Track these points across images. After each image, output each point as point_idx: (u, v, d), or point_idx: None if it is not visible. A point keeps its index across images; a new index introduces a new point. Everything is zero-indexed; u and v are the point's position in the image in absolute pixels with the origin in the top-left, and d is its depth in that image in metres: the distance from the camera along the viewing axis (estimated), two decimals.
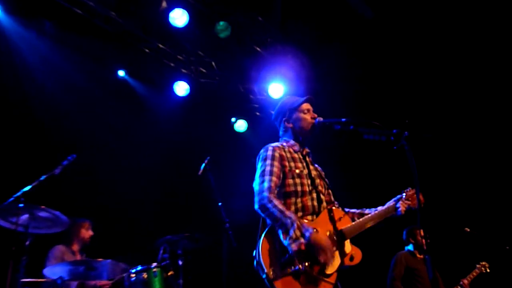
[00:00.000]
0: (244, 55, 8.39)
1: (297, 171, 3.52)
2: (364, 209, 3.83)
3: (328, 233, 3.37)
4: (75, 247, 5.89)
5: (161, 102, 8.54)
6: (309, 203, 3.44)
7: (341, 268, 3.32)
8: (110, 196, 7.28)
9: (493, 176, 8.01)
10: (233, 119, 9.44)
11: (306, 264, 3.15)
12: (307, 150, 3.79)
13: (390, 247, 6.86)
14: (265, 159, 3.50)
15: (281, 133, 3.87)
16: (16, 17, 6.85)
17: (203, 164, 5.71)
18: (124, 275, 5.15)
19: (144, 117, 8.30)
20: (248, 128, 9.46)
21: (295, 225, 3.15)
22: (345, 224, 3.49)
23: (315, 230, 3.22)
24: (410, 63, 7.96)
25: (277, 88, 8.62)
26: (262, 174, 3.44)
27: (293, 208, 3.40)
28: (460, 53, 7.64)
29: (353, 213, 3.78)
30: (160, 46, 7.84)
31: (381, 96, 8.31)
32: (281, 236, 3.18)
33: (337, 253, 3.33)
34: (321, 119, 3.69)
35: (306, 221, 3.34)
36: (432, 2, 7.30)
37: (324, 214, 3.45)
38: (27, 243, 4.60)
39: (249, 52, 8.34)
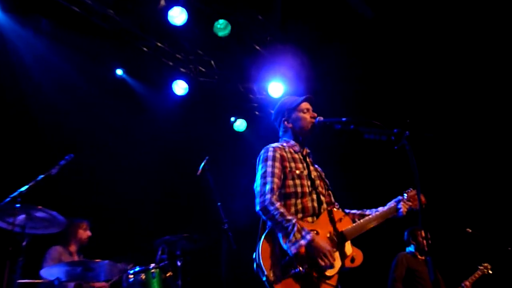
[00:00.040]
0: (243, 54, 8.39)
1: (298, 172, 3.52)
2: (365, 210, 3.83)
3: (328, 235, 3.37)
4: (73, 248, 5.89)
5: (159, 101, 8.53)
6: (309, 204, 3.45)
7: (342, 270, 3.33)
8: (108, 196, 7.27)
9: (495, 176, 8.02)
10: (232, 119, 9.45)
11: (307, 266, 3.15)
12: (307, 150, 3.79)
13: (391, 248, 6.86)
14: (266, 160, 3.50)
15: (281, 133, 3.87)
16: (12, 14, 6.85)
17: (202, 164, 5.71)
18: (122, 276, 5.15)
19: (143, 116, 8.28)
20: (248, 127, 9.46)
21: (295, 228, 3.15)
22: (345, 225, 3.49)
23: (315, 232, 3.22)
24: (410, 62, 7.96)
25: (276, 87, 8.62)
26: (264, 176, 3.44)
27: (293, 209, 3.40)
28: (461, 52, 7.64)
29: (354, 214, 3.78)
30: (159, 44, 7.84)
31: (382, 95, 8.31)
32: (281, 239, 3.19)
33: (337, 255, 3.34)
34: (321, 118, 3.69)
35: (306, 222, 3.34)
36: (432, 1, 7.30)
37: (324, 216, 3.46)
38: (24, 243, 4.60)
39: (248, 51, 8.34)
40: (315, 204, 3.47)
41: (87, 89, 7.56)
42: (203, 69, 8.59)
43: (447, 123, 8.12)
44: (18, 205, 4.52)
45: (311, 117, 3.71)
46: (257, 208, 3.34)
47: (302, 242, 3.12)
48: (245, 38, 8.19)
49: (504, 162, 7.99)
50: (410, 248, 6.62)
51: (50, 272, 4.98)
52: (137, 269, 5.12)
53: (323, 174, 3.81)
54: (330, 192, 3.72)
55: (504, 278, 6.97)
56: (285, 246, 3.15)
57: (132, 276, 5.07)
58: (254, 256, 3.24)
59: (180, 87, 8.51)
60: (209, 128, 8.88)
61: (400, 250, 6.67)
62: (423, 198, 3.42)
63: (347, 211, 3.73)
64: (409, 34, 7.65)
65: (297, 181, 3.47)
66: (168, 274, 5.35)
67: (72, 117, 7.34)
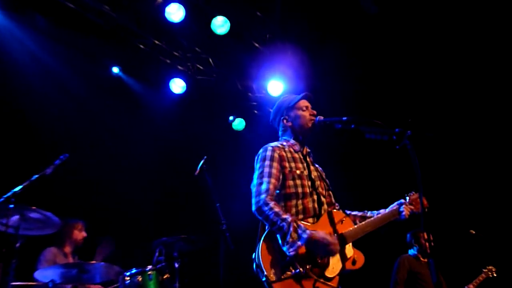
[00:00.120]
0: (242, 52, 8.40)
1: (298, 172, 3.52)
2: (366, 211, 3.84)
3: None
4: (67, 249, 5.89)
5: (156, 100, 8.54)
6: (310, 205, 3.45)
7: (343, 272, 3.34)
8: (103, 197, 7.28)
9: (499, 177, 8.03)
10: (230, 118, 9.45)
11: (307, 267, 3.16)
12: (307, 149, 3.80)
13: (393, 250, 6.88)
14: (264, 160, 3.50)
15: (280, 132, 3.87)
16: (5, 11, 6.85)
17: (200, 164, 5.72)
18: (119, 278, 5.15)
19: (139, 115, 8.29)
20: (246, 126, 9.46)
21: (291, 228, 3.15)
22: (346, 227, 3.50)
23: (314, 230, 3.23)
24: (412, 61, 7.97)
25: (276, 86, 8.63)
26: (261, 176, 3.44)
27: (293, 210, 3.41)
28: (464, 51, 7.65)
29: (355, 216, 3.79)
30: (156, 42, 7.84)
31: (383, 94, 8.32)
32: (280, 241, 3.19)
33: (338, 257, 3.35)
34: (322, 117, 3.70)
35: (308, 224, 3.35)
36: None
37: (325, 217, 3.46)
38: (18, 245, 4.59)
39: (247, 49, 8.35)
40: (316, 205, 3.47)
41: (82, 87, 7.57)
42: (201, 67, 8.60)
43: (450, 123, 8.13)
44: (11, 206, 4.50)
45: (310, 115, 3.72)
46: (253, 208, 3.35)
47: (299, 243, 3.13)
48: (244, 35, 8.20)
49: (508, 162, 8.00)
50: (413, 251, 6.64)
51: (44, 274, 4.97)
52: (134, 271, 5.10)
53: (323, 174, 3.82)
54: (330, 192, 3.73)
55: (509, 281, 6.97)
56: (284, 248, 3.15)
57: (128, 278, 5.06)
58: (253, 257, 3.24)
59: (177, 86, 8.52)
60: (207, 127, 8.88)
61: (402, 252, 6.69)
62: (425, 202, 3.43)
63: (348, 212, 3.74)
64: (410, 33, 7.66)
65: (298, 182, 3.48)
66: (165, 276, 5.35)
67: (67, 116, 7.35)
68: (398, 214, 3.75)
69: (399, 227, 4.41)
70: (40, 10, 6.97)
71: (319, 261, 3.21)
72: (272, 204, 3.27)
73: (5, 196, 4.54)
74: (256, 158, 3.60)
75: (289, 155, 3.58)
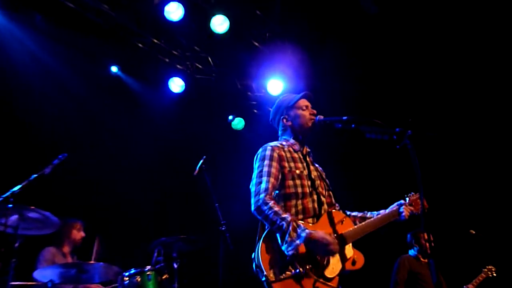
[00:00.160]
0: (242, 51, 8.39)
1: (297, 171, 3.53)
2: (366, 212, 3.85)
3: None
4: (66, 249, 5.90)
5: (155, 99, 8.54)
6: (310, 205, 3.45)
7: (343, 273, 3.35)
8: (102, 196, 7.28)
9: (499, 176, 8.04)
10: (230, 117, 9.45)
11: (307, 267, 3.17)
12: (307, 149, 3.80)
13: (393, 250, 6.89)
14: (263, 159, 3.51)
15: (280, 132, 3.87)
16: (4, 10, 6.85)
17: (199, 164, 5.73)
18: (117, 278, 5.16)
19: (138, 114, 8.30)
20: (246, 126, 9.47)
21: (291, 227, 3.15)
22: (346, 227, 3.50)
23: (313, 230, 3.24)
24: (413, 60, 7.97)
25: (276, 85, 8.63)
26: (260, 175, 3.44)
27: (293, 210, 3.41)
28: (464, 50, 7.66)
29: (355, 216, 3.79)
30: (155, 41, 7.85)
31: (383, 93, 8.32)
32: (279, 241, 3.20)
33: (338, 257, 3.36)
34: (322, 117, 3.70)
35: (307, 224, 3.36)
36: None
37: (325, 217, 3.47)
38: (17, 245, 4.61)
39: (247, 47, 8.35)
40: (316, 205, 3.48)
41: (81, 86, 7.57)
42: (200, 66, 8.61)
43: (450, 122, 8.13)
44: (10, 206, 4.52)
45: (310, 114, 3.72)
46: (252, 208, 3.35)
47: (298, 241, 3.13)
48: (243, 34, 8.20)
49: (508, 162, 8.01)
50: (413, 251, 6.65)
51: (43, 274, 4.98)
52: (133, 271, 5.12)
53: (323, 174, 3.82)
54: (330, 192, 3.73)
55: (508, 281, 6.99)
56: (283, 248, 3.16)
57: (127, 278, 5.07)
58: (253, 256, 3.25)
59: (176, 85, 8.53)
60: (206, 126, 8.89)
61: (402, 252, 6.70)
62: (425, 203, 3.44)
63: (348, 213, 3.75)
64: (411, 32, 7.66)
65: (297, 181, 3.48)
66: (164, 277, 5.36)
67: (66, 115, 7.36)
68: (398, 215, 3.76)
69: (399, 228, 4.42)
70: (39, 9, 6.98)
71: (319, 261, 3.22)
72: (271, 203, 3.28)
73: (3, 195, 4.55)
74: (255, 157, 3.60)
75: (288, 154, 3.59)
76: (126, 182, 7.54)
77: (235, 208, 5.97)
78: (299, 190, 3.46)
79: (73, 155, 5.18)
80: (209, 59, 8.61)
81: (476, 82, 7.89)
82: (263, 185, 3.37)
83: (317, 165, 3.82)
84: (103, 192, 7.33)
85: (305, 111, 3.74)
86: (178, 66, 8.41)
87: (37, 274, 5.02)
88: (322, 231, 3.27)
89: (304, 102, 3.78)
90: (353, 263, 3.42)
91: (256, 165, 3.55)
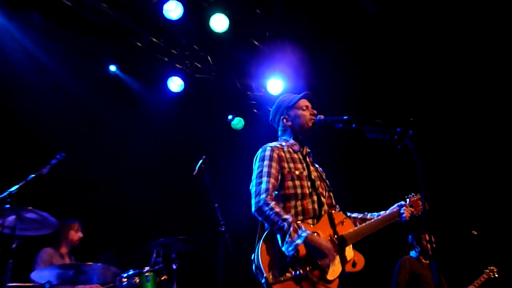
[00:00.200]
0: (241, 50, 8.39)
1: (297, 172, 3.52)
2: (366, 213, 3.85)
3: (329, 238, 3.38)
4: (64, 250, 5.89)
5: (154, 98, 8.53)
6: (310, 206, 3.45)
7: (343, 275, 3.34)
8: (100, 197, 7.27)
9: (501, 177, 8.03)
10: (229, 117, 9.45)
11: (308, 269, 3.16)
12: (307, 149, 3.79)
13: (394, 251, 6.89)
14: (262, 160, 3.50)
15: (279, 132, 3.86)
16: (2, 9, 6.84)
17: (199, 164, 5.72)
18: (116, 279, 5.16)
19: (137, 114, 8.29)
20: (245, 126, 9.46)
21: (291, 228, 3.15)
22: (347, 229, 3.49)
23: (315, 233, 3.24)
24: (413, 60, 7.97)
25: (276, 84, 8.62)
26: (260, 176, 3.44)
27: (293, 211, 3.40)
28: (465, 50, 7.65)
29: (355, 218, 3.79)
30: (154, 39, 7.84)
31: (384, 93, 8.32)
32: (279, 242, 3.19)
33: (338, 259, 3.35)
34: (322, 116, 3.69)
35: (307, 225, 3.35)
36: None
37: (325, 218, 3.46)
38: (14, 245, 4.60)
39: (247, 47, 8.34)
40: (316, 206, 3.47)
41: (79, 85, 7.56)
42: (199, 65, 8.60)
43: (452, 122, 8.13)
44: (7, 206, 4.51)
45: (310, 114, 3.71)
46: (253, 209, 3.34)
47: (299, 241, 3.13)
48: (243, 33, 8.18)
49: (510, 163, 8.00)
50: (414, 252, 6.65)
51: (41, 275, 4.98)
52: (131, 272, 5.12)
53: (323, 174, 3.81)
54: (330, 193, 3.72)
55: (510, 282, 6.99)
56: (283, 248, 3.15)
57: (125, 279, 5.07)
58: (253, 258, 3.25)
59: (175, 84, 8.52)
60: (205, 126, 8.88)
61: (403, 253, 6.69)
62: (426, 205, 3.43)
63: (348, 214, 3.74)
64: (411, 31, 7.65)
65: (297, 182, 3.47)
66: (163, 278, 5.36)
67: (64, 115, 7.35)
68: (399, 216, 3.77)
69: (399, 229, 4.42)
70: (37, 8, 6.97)
71: (319, 263, 3.21)
72: (272, 204, 3.27)
73: (1, 196, 4.54)
74: (255, 158, 3.60)
75: (288, 155, 3.58)
76: (124, 182, 7.53)
77: (235, 208, 5.98)
78: (299, 191, 3.45)
79: (71, 155, 5.16)
80: (209, 58, 8.60)
81: (477, 81, 7.88)
82: (263, 186, 3.36)
83: (317, 166, 3.81)
84: (101, 192, 7.31)
85: (306, 111, 3.73)
86: (177, 65, 8.41)
87: (34, 275, 5.01)
88: (323, 237, 3.26)
89: (304, 102, 3.77)
90: (354, 265, 3.41)
91: (255, 165, 3.54)
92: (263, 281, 3.11)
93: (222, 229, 5.45)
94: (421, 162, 2.95)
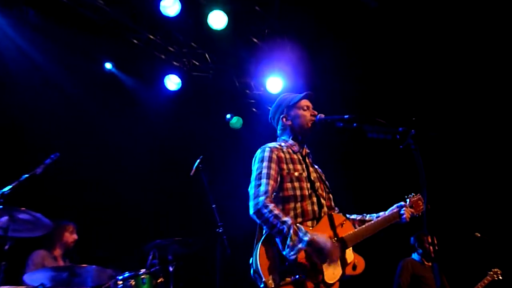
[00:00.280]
0: (240, 47, 8.37)
1: (296, 173, 3.50)
2: (365, 215, 3.84)
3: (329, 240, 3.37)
4: (57, 252, 5.87)
5: (150, 96, 8.52)
6: (309, 208, 3.43)
7: (344, 278, 3.32)
8: (95, 197, 7.26)
9: (504, 177, 8.03)
10: (228, 116, 9.43)
11: (307, 273, 3.15)
12: (307, 150, 3.78)
13: (395, 253, 6.88)
14: (261, 161, 3.48)
15: (279, 132, 3.84)
16: None
17: (196, 164, 5.72)
18: (111, 282, 5.15)
19: (133, 112, 8.27)
20: (244, 125, 9.45)
21: (291, 230, 3.13)
22: (347, 231, 3.48)
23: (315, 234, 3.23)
24: (416, 58, 7.95)
25: (275, 83, 8.61)
26: (258, 177, 3.41)
27: (292, 213, 3.38)
28: (467, 48, 7.64)
29: (354, 220, 3.78)
30: (150, 36, 7.83)
31: (385, 92, 8.31)
32: (280, 244, 3.18)
33: (338, 262, 3.33)
34: (323, 115, 3.67)
35: (306, 227, 3.33)
36: None
37: (325, 220, 3.44)
38: (6, 247, 4.60)
39: (245, 44, 8.32)
40: (315, 208, 3.45)
41: (74, 83, 7.55)
42: (197, 63, 8.59)
43: (455, 121, 8.12)
44: (0, 207, 4.50)
45: (311, 115, 3.70)
46: (251, 211, 3.32)
47: (300, 246, 3.11)
48: (241, 30, 8.17)
49: None
50: (417, 254, 6.65)
51: (34, 278, 4.97)
52: (127, 274, 5.11)
53: (323, 175, 3.79)
54: (330, 195, 3.70)
55: None
56: (284, 252, 3.13)
57: (121, 282, 5.06)
58: (251, 262, 3.23)
59: (172, 82, 8.51)
60: (203, 125, 8.86)
61: (404, 255, 6.69)
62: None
63: (347, 216, 3.73)
64: (413, 28, 7.64)
65: (296, 184, 3.45)
66: (159, 280, 5.36)
67: (58, 113, 7.33)
68: (399, 217, 3.76)
69: (400, 230, 4.41)
70: (31, 4, 6.95)
71: (319, 266, 3.20)
72: (271, 206, 3.25)
73: None
74: (253, 159, 3.58)
75: (287, 156, 3.56)
76: (120, 182, 7.51)
77: (233, 209, 5.95)
78: (298, 192, 3.43)
79: (65, 154, 5.16)
80: (207, 55, 8.59)
81: (480, 80, 7.87)
82: (262, 188, 3.34)
83: (316, 167, 3.79)
84: (96, 192, 7.30)
85: (306, 112, 3.72)
86: (175, 62, 8.40)
87: (27, 277, 5.01)
88: (323, 237, 3.25)
89: (305, 102, 3.76)
90: (354, 267, 3.40)
91: (254, 167, 3.52)
92: (261, 285, 3.10)
93: (220, 230, 5.44)
94: (423, 162, 2.93)
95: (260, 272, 3.11)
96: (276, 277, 3.11)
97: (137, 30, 7.68)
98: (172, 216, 8.08)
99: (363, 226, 3.59)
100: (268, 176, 3.39)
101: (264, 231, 3.30)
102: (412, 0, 7.36)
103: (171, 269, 5.63)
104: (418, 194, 3.90)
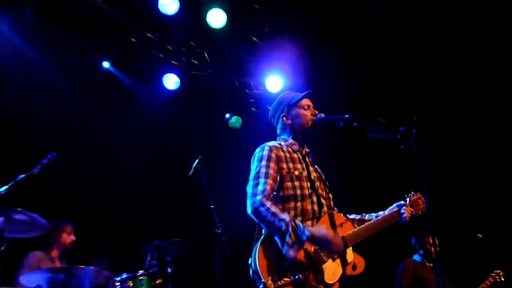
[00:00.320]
0: (239, 46, 8.36)
1: (296, 172, 3.50)
2: (364, 214, 3.85)
3: None
4: (54, 253, 5.85)
5: (149, 96, 8.51)
6: (309, 207, 3.43)
7: (344, 278, 3.33)
8: (93, 197, 7.26)
9: (507, 178, 8.02)
10: (227, 115, 9.42)
11: (307, 273, 3.14)
12: (306, 149, 3.78)
13: (396, 254, 6.88)
14: (260, 160, 3.48)
15: (278, 131, 3.85)
16: None
17: (194, 164, 5.71)
18: (108, 283, 5.14)
19: (131, 112, 8.27)
20: (243, 124, 9.44)
21: (290, 227, 3.13)
22: (346, 230, 3.49)
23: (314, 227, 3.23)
24: (417, 58, 7.95)
25: (275, 82, 8.60)
26: (257, 176, 3.41)
27: (292, 213, 3.38)
28: (468, 48, 7.64)
29: (353, 219, 3.78)
30: (149, 35, 7.81)
31: (386, 91, 8.31)
32: (279, 243, 3.17)
33: (338, 262, 3.33)
34: (323, 115, 3.68)
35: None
36: None
37: (325, 219, 3.44)
38: (3, 248, 4.58)
39: (245, 43, 8.31)
40: (315, 207, 3.45)
41: (71, 82, 7.54)
42: (196, 62, 8.58)
43: (456, 121, 8.12)
44: None
45: (312, 115, 3.70)
46: (249, 210, 3.31)
47: (303, 238, 3.12)
48: (241, 28, 8.16)
49: None
50: (418, 255, 6.65)
51: (30, 279, 4.95)
52: (124, 276, 5.10)
53: (323, 175, 3.79)
54: (330, 195, 3.70)
55: None
56: (283, 250, 3.13)
57: (119, 283, 5.05)
58: (250, 262, 3.23)
59: (171, 81, 8.50)
60: (202, 125, 8.85)
61: (405, 255, 6.69)
62: (424, 206, 3.43)
63: (346, 216, 3.73)
64: (413, 28, 7.64)
65: (296, 183, 3.45)
66: (157, 282, 5.34)
67: (55, 113, 7.33)
68: (399, 216, 3.78)
69: (402, 231, 4.41)
70: (28, 2, 6.94)
71: (319, 266, 3.20)
72: (268, 204, 3.25)
73: None
74: (252, 158, 3.58)
75: (287, 155, 3.56)
76: (118, 182, 7.51)
77: (232, 210, 5.95)
78: (298, 192, 3.43)
79: (63, 154, 5.14)
80: (206, 54, 8.57)
81: (481, 80, 7.87)
82: (260, 187, 3.34)
83: (316, 166, 3.80)
84: (94, 193, 7.30)
85: (307, 111, 3.72)
86: (173, 61, 8.39)
87: (23, 279, 4.99)
88: (323, 228, 3.24)
89: (306, 102, 3.77)
90: (354, 267, 3.41)
91: (253, 165, 3.52)
92: (261, 286, 3.09)
93: (219, 231, 5.44)
94: (425, 162, 2.93)
95: (259, 272, 3.10)
96: (275, 278, 3.10)
97: (135, 29, 7.67)
98: (170, 216, 8.08)
99: (363, 225, 3.60)
100: (267, 176, 3.39)
101: (263, 231, 3.30)
102: (412, 0, 7.36)
103: (169, 270, 5.62)
104: (418, 193, 3.91)
